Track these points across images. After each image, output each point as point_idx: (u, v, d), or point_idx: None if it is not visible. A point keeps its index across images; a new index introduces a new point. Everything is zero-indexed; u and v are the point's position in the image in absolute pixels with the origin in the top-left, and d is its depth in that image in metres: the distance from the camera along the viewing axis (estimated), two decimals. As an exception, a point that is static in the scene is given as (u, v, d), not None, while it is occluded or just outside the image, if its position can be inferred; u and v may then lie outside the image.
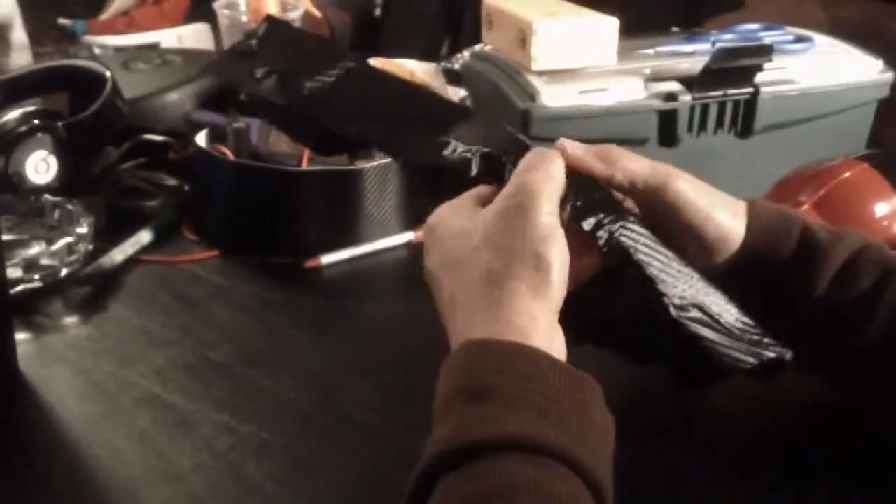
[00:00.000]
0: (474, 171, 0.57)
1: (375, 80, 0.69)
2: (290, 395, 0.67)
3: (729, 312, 0.55)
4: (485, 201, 0.54)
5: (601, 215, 0.54)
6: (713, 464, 0.59)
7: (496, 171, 0.57)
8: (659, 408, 0.63)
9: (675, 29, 1.18)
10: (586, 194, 0.55)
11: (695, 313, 0.53)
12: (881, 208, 0.79)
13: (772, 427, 0.63)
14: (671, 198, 0.56)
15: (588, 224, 0.54)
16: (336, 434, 0.63)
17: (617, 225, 0.54)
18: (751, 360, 0.55)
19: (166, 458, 0.60)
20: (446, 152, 0.58)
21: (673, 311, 0.53)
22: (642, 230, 0.54)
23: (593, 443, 0.44)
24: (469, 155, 0.57)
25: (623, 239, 0.53)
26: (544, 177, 0.52)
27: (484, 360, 0.46)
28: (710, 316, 0.54)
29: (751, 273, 0.57)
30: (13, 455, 0.61)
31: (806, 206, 0.79)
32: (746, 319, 0.55)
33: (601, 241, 0.53)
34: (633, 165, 0.57)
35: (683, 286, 0.54)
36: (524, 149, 0.57)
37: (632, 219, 0.55)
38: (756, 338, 0.55)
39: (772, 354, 0.55)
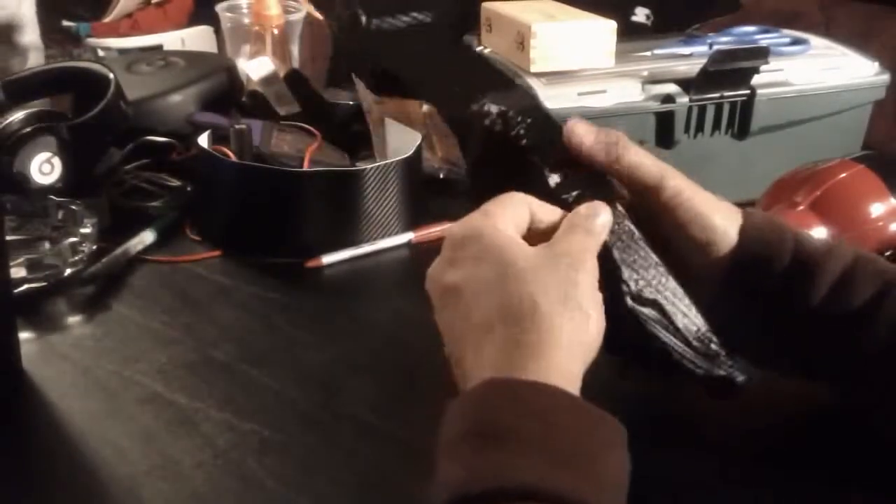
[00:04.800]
0: (487, 122, 0.59)
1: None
2: (291, 393, 0.67)
3: (690, 319, 0.55)
4: (521, 227, 0.54)
5: (584, 191, 0.56)
6: (709, 465, 0.59)
7: (509, 128, 0.59)
8: (652, 409, 0.63)
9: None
10: (575, 171, 0.57)
11: (650, 311, 0.54)
12: (877, 209, 0.80)
13: (770, 428, 0.63)
14: (666, 196, 0.57)
15: (570, 196, 0.56)
16: (336, 432, 0.63)
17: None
18: (701, 370, 0.55)
19: (168, 456, 0.60)
20: (474, 106, 0.61)
21: (628, 301, 0.54)
22: (622, 216, 0.55)
23: (608, 486, 0.44)
24: (491, 109, 0.60)
25: None
26: (585, 236, 0.53)
27: (506, 401, 0.46)
28: (667, 317, 0.54)
29: (747, 282, 0.58)
30: (16, 453, 0.61)
31: (802, 207, 0.80)
32: (709, 334, 0.56)
33: None
34: (635, 158, 0.58)
35: (646, 280, 0.54)
36: (542, 115, 0.61)
37: (618, 205, 0.56)
38: (713, 352, 0.55)
39: (722, 373, 0.55)
